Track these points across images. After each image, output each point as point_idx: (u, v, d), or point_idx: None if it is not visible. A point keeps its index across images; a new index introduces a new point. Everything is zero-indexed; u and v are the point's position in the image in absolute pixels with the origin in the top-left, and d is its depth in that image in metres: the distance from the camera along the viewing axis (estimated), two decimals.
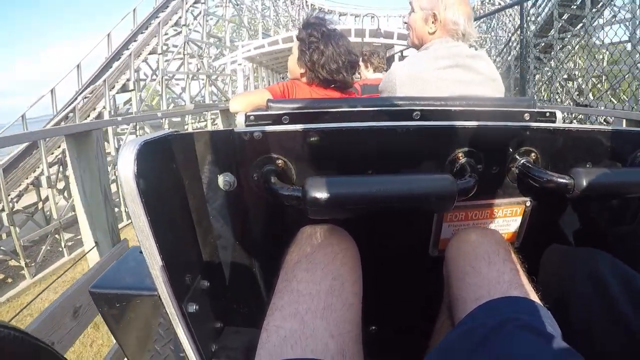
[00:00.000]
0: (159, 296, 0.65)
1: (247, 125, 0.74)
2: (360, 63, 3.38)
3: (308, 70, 1.73)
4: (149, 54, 12.04)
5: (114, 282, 0.90)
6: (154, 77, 12.44)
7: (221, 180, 0.72)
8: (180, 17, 13.30)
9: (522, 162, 0.76)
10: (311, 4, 29.14)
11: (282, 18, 23.74)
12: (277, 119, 0.76)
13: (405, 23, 1.48)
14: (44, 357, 0.75)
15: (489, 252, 0.71)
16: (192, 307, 0.69)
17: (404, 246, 0.87)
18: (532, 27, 12.89)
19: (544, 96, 12.61)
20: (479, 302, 0.61)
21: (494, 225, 0.84)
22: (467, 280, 0.68)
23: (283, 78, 21.51)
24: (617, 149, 0.78)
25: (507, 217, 0.84)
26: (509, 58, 14.78)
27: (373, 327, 0.94)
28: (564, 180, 0.70)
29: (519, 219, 0.85)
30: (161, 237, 0.60)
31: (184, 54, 12.99)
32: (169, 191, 0.67)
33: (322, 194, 0.58)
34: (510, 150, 0.76)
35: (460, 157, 0.74)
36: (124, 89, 11.05)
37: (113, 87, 10.82)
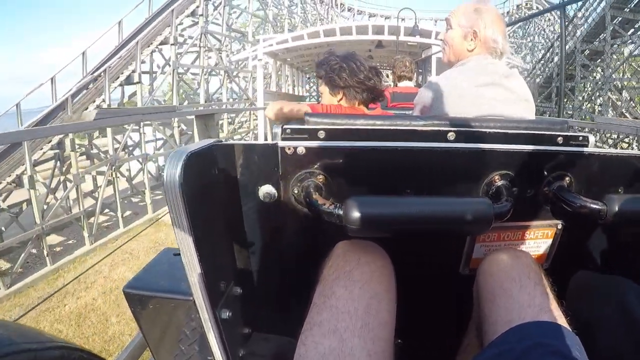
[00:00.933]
0: (194, 301, 0.67)
1: (283, 138, 0.77)
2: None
3: (344, 91, 1.78)
4: (160, 44, 10.92)
5: (149, 284, 0.91)
6: (166, 69, 11.32)
7: (262, 191, 0.73)
8: (197, 7, 12.13)
9: (556, 185, 0.77)
10: (340, 3, 28.41)
11: (309, 16, 22.75)
12: (313, 133, 0.78)
13: (441, 40, 1.50)
14: None
15: (521, 274, 0.71)
16: (225, 314, 0.71)
17: (435, 263, 0.88)
18: (578, 32, 11.83)
19: (588, 109, 11.60)
20: (509, 325, 0.62)
21: (525, 247, 0.85)
22: (498, 301, 0.68)
23: (309, 78, 21.29)
24: None
25: (539, 239, 0.85)
26: (550, 65, 13.55)
27: (399, 341, 0.84)
28: (596, 207, 0.71)
29: (549, 241, 0.86)
30: (201, 245, 0.62)
31: (199, 46, 11.88)
32: (209, 200, 0.68)
33: (362, 214, 0.60)
34: (545, 173, 0.77)
35: (497, 180, 0.76)
36: (128, 80, 10.02)
37: (117, 79, 9.82)
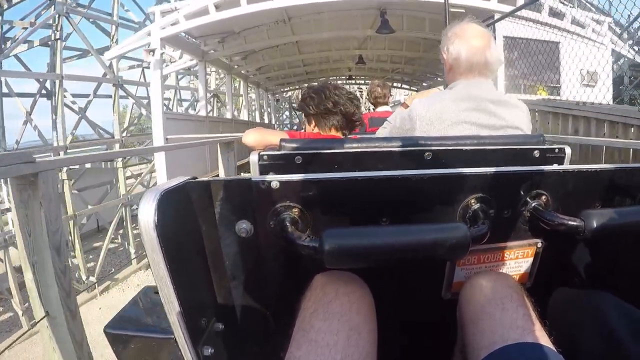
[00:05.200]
0: (175, 340, 0.66)
1: (260, 165, 0.81)
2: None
3: (315, 118, 1.80)
4: None
5: (130, 323, 0.91)
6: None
7: (238, 227, 0.72)
8: None
9: (533, 205, 0.76)
10: None
11: None
12: (290, 159, 0.81)
13: None
14: None
15: (502, 297, 0.71)
16: (208, 351, 0.70)
17: (417, 289, 0.87)
18: None
19: None
20: (492, 348, 0.62)
21: (506, 267, 0.85)
22: (481, 325, 0.68)
23: (279, 100, 18.09)
24: (627, 187, 0.80)
25: (519, 258, 0.84)
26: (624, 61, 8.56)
27: None
28: (574, 223, 0.71)
29: (530, 260, 0.85)
30: (179, 283, 0.61)
31: (55, 40, 6.64)
32: (186, 237, 0.69)
33: (338, 246, 0.60)
34: (522, 193, 0.77)
35: (473, 203, 0.75)
36: None
37: None
